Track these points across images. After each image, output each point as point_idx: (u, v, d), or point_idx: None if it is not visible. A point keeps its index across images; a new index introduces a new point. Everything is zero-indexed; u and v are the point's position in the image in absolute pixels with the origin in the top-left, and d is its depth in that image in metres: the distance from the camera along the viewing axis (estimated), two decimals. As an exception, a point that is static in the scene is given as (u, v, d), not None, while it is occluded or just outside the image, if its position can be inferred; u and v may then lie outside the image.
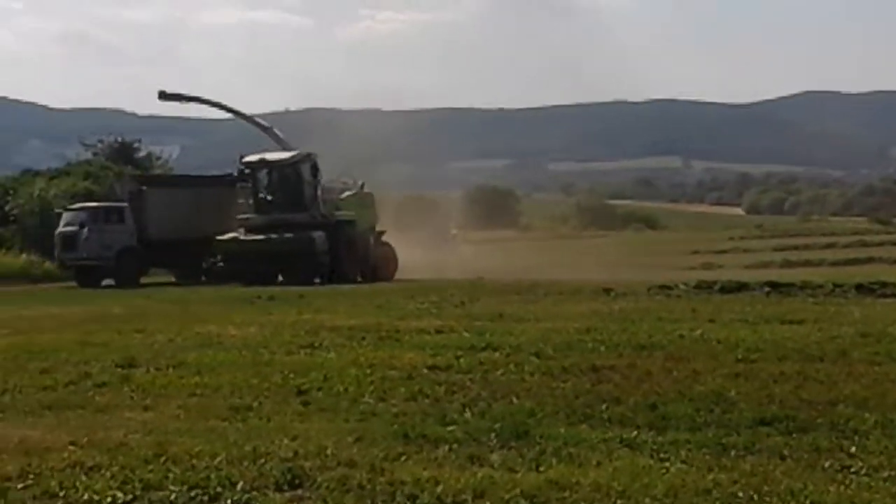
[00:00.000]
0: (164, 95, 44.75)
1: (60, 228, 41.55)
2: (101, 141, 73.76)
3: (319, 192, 39.21)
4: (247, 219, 39.13)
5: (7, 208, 52.27)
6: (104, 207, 42.03)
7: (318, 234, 37.57)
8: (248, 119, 45.91)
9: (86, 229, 40.39)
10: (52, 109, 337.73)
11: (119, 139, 74.05)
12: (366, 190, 41.61)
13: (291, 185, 39.38)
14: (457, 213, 74.33)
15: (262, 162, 39.79)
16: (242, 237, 38.41)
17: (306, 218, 38.75)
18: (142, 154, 74.42)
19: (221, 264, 38.28)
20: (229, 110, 46.46)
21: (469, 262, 45.17)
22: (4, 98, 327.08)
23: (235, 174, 40.59)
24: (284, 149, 41.58)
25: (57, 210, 44.85)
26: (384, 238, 41.19)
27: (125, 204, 41.71)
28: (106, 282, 40.19)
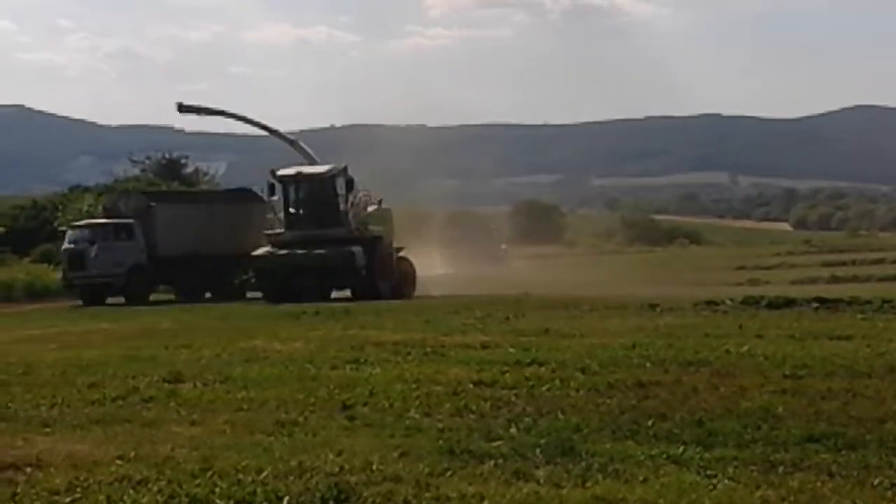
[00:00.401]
0: (182, 108, 44.36)
1: (66, 245, 41.07)
2: (148, 157, 74.42)
3: (352, 207, 38.60)
4: (278, 234, 38.17)
5: (56, 224, 52.71)
6: (113, 224, 41.31)
7: (357, 249, 36.83)
8: (273, 132, 45.49)
9: (95, 246, 39.91)
10: (101, 126, 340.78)
11: (167, 155, 74.66)
12: (384, 206, 40.65)
13: (327, 198, 38.44)
14: (505, 229, 74.63)
15: (298, 176, 38.83)
16: (279, 252, 37.38)
17: (342, 233, 37.89)
18: (189, 170, 75.00)
19: (255, 280, 38.08)
20: (253, 123, 45.86)
21: (520, 276, 45.22)
22: (54, 115, 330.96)
23: (264, 188, 39.78)
24: (312, 163, 41.23)
25: (61, 228, 45.09)
26: (403, 253, 40.12)
27: (132, 220, 41.03)
28: (111, 300, 39.95)
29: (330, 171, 38.72)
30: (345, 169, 38.28)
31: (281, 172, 38.78)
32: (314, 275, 36.11)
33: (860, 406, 10.71)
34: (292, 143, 44.23)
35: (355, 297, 35.05)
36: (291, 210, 38.54)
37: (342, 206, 38.15)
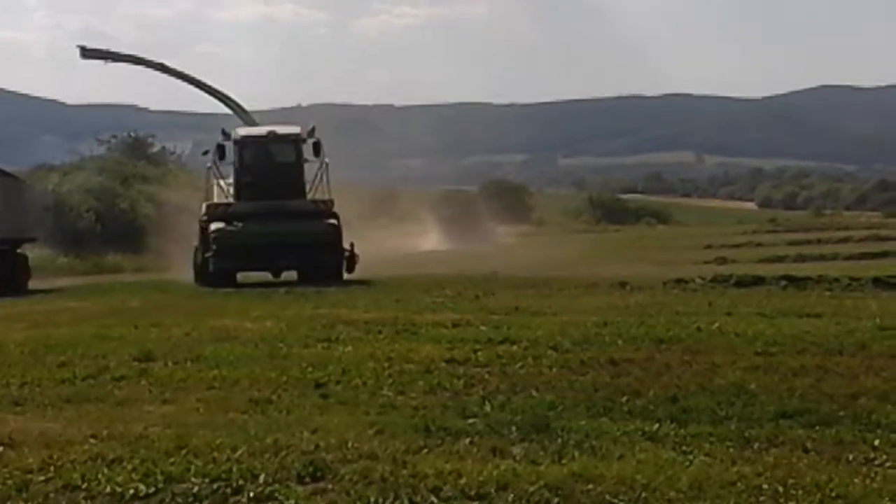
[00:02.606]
0: (85, 53, 40.74)
1: None
2: (114, 136, 74.01)
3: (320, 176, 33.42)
4: (225, 205, 32.61)
5: (21, 203, 52.32)
6: None
7: (334, 224, 32.09)
8: (201, 84, 40.83)
9: None
10: (65, 105, 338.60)
11: (133, 134, 74.28)
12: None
13: (294, 165, 33.46)
14: (495, 208, 75.79)
15: (270, 136, 33.99)
16: (249, 227, 31.56)
17: (306, 206, 32.91)
18: (155, 149, 74.65)
19: (214, 260, 31.09)
20: (168, 71, 40.82)
21: (508, 253, 45.33)
22: (17, 93, 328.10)
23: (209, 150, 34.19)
24: (251, 124, 36.72)
25: None
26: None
27: None
28: None
29: (303, 132, 33.74)
30: (313, 130, 33.44)
31: (244, 132, 34.78)
32: (293, 252, 31.44)
33: (832, 382, 10.76)
34: (227, 99, 39.98)
35: (308, 279, 30.42)
36: (248, 178, 32.96)
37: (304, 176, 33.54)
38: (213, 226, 31.56)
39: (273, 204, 32.09)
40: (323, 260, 31.38)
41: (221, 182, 33.42)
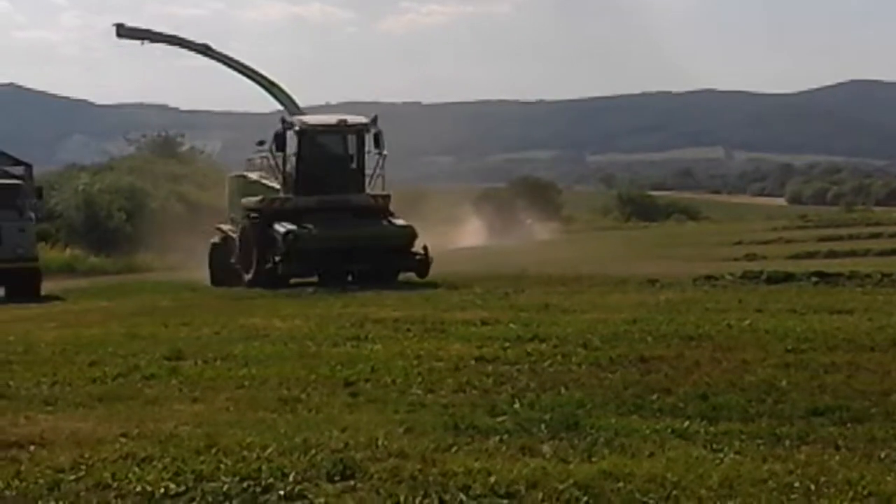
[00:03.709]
0: (121, 31, 36.43)
1: None
2: (144, 136, 74.25)
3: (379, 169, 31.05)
4: (282, 200, 30.30)
5: (52, 203, 52.66)
6: None
7: (412, 227, 30.10)
8: (246, 70, 36.40)
9: None
10: (95, 105, 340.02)
11: (162, 134, 74.51)
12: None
13: (359, 157, 31.03)
14: (529, 204, 76.51)
15: (340, 125, 31.11)
16: (316, 230, 28.84)
17: (368, 201, 30.78)
18: (185, 148, 74.88)
19: (285, 264, 28.29)
20: (212, 54, 36.69)
21: (539, 251, 45.30)
22: (48, 93, 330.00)
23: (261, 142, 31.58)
24: (294, 111, 33.76)
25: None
26: None
27: None
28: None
29: (370, 121, 31.20)
30: (375, 120, 31.06)
31: (311, 120, 31.78)
32: (368, 256, 29.06)
33: (864, 379, 10.70)
34: (269, 86, 35.63)
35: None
36: (310, 169, 30.52)
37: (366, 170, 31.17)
38: (281, 227, 28.69)
39: (334, 199, 30.32)
40: (398, 263, 29.45)
41: (254, 174, 32.05)
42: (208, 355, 13.71)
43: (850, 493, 6.80)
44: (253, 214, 30.56)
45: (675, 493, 6.87)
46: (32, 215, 30.86)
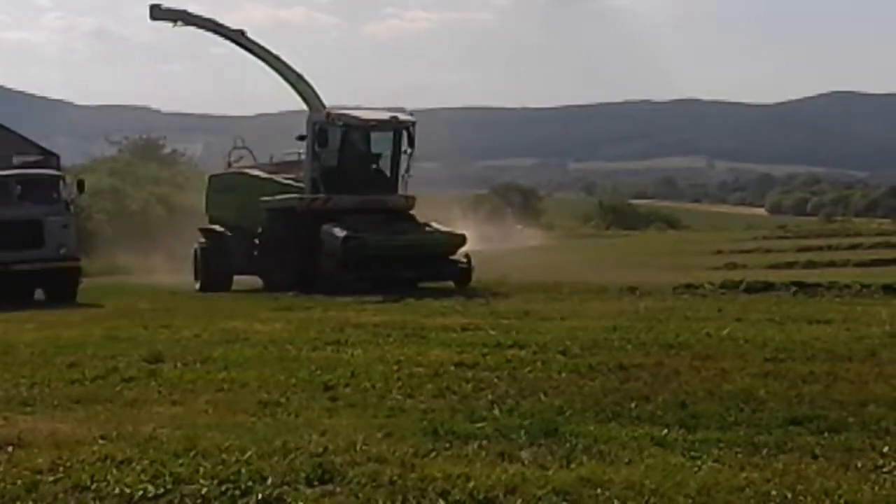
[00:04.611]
0: (154, 12, 33.57)
1: None
2: (126, 138, 74.10)
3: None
4: (323, 200, 28.80)
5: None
6: None
7: (463, 234, 29.24)
8: (276, 62, 32.51)
9: None
10: (77, 106, 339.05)
11: (144, 136, 74.37)
12: None
13: (396, 155, 29.87)
14: (518, 211, 77.26)
15: (393, 121, 29.69)
16: (375, 237, 27.46)
17: (401, 203, 29.86)
18: (166, 151, 74.75)
19: (339, 270, 26.83)
20: (245, 43, 33.19)
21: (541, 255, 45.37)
22: (30, 94, 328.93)
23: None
24: (317, 106, 30.99)
25: None
26: None
27: None
28: None
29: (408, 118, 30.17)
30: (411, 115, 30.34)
31: (357, 114, 30.07)
32: (417, 263, 27.76)
33: (842, 389, 10.74)
34: (299, 78, 31.99)
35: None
36: (351, 168, 29.39)
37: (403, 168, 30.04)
38: (337, 230, 27.21)
39: (372, 199, 29.25)
40: (443, 271, 28.12)
41: (255, 171, 31.13)
42: (188, 358, 13.71)
43: (827, 502, 6.84)
44: (276, 214, 29.40)
45: (652, 500, 6.90)
46: (73, 210, 28.54)
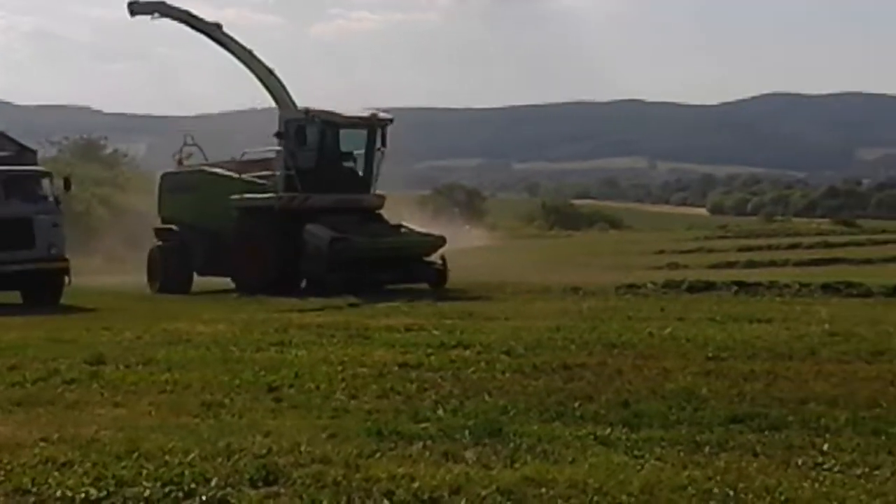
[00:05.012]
0: (133, 8, 32.50)
1: None
2: (66, 138, 73.32)
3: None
4: (302, 199, 28.26)
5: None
6: None
7: (443, 236, 29.23)
8: (249, 58, 30.94)
9: None
10: (17, 106, 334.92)
11: (85, 137, 73.65)
12: None
13: (372, 154, 29.49)
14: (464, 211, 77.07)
15: (372, 120, 29.19)
16: (361, 239, 27.23)
17: (374, 203, 29.78)
18: (108, 151, 74.09)
19: (328, 272, 26.28)
20: (220, 37, 31.67)
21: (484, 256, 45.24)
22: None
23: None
24: (286, 103, 29.86)
25: None
26: None
27: None
28: None
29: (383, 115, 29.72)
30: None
31: (338, 111, 29.29)
32: (397, 265, 27.68)
33: (782, 387, 10.86)
34: (270, 73, 30.51)
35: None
36: (328, 166, 28.94)
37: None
38: (321, 231, 26.93)
39: (348, 198, 29.03)
40: (420, 273, 27.93)
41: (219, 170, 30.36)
42: (130, 360, 13.61)
43: (768, 500, 6.91)
44: (249, 213, 28.85)
45: (596, 498, 6.94)
46: (61, 208, 27.05)
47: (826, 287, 23.28)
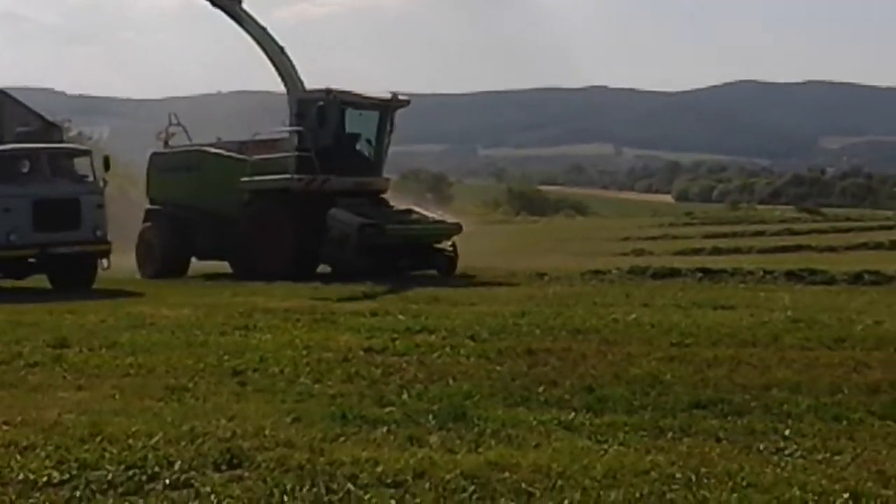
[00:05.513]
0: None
1: None
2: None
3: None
4: (321, 181, 27.58)
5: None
6: None
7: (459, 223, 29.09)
8: (263, 34, 29.42)
9: None
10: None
11: (48, 119, 73.14)
12: None
13: (386, 136, 29.49)
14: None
15: (382, 101, 29.07)
16: (387, 224, 26.79)
17: (383, 185, 29.82)
18: (71, 134, 73.59)
19: (354, 256, 25.98)
20: (233, 14, 29.62)
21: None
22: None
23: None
24: (295, 84, 28.82)
25: None
26: None
27: None
28: None
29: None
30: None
31: (357, 91, 28.89)
32: (415, 251, 27.66)
33: (745, 373, 10.91)
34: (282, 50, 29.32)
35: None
36: (342, 148, 28.46)
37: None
38: (348, 216, 26.46)
39: (364, 181, 28.70)
40: (435, 260, 27.62)
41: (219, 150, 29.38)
42: (94, 343, 13.55)
43: (730, 484, 6.93)
44: (264, 195, 27.96)
45: (559, 483, 6.96)
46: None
47: (790, 274, 23.44)
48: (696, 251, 36.82)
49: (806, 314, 15.73)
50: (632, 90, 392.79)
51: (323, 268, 27.00)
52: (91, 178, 25.13)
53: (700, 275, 23.93)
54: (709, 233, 48.84)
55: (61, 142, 27.09)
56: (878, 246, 36.86)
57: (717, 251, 36.76)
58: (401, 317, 15.92)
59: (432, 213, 29.78)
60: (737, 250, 36.93)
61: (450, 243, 27.89)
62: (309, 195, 27.27)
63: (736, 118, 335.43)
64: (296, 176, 27.60)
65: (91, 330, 15.04)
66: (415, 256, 27.42)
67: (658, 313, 16.18)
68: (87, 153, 26.02)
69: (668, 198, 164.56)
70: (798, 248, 37.48)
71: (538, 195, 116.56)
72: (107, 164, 25.74)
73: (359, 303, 18.38)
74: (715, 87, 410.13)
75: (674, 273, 24.41)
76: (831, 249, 35.77)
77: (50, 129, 27.36)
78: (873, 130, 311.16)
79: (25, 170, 24.34)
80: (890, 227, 48.36)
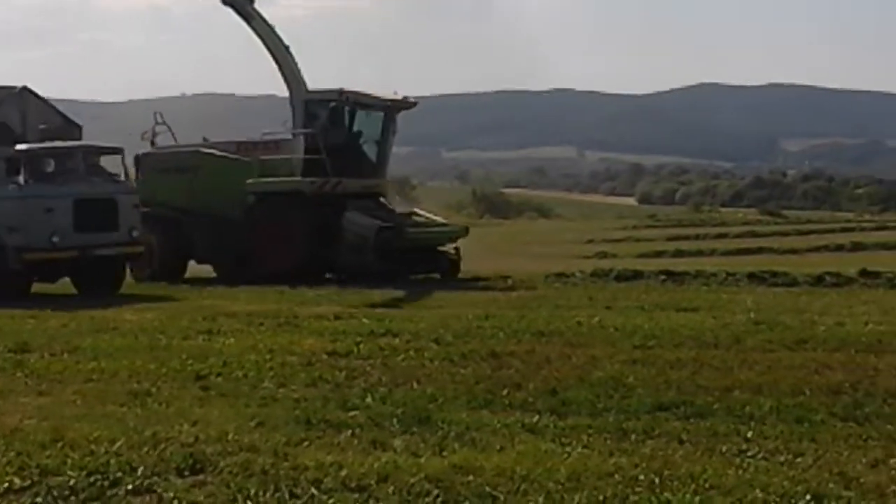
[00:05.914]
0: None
1: None
2: None
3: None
4: (333, 184, 27.03)
5: None
6: None
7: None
8: (269, 31, 28.77)
9: None
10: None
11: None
12: None
13: (390, 138, 29.07)
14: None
15: (390, 102, 28.73)
16: (405, 229, 26.87)
17: (387, 188, 30.00)
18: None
19: (373, 259, 25.56)
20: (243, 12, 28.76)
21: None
22: None
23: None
24: (298, 82, 28.13)
25: None
26: None
27: None
28: None
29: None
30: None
31: (366, 92, 28.35)
32: (425, 254, 27.37)
33: (707, 375, 10.96)
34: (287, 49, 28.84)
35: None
36: (352, 149, 28.11)
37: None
38: (363, 219, 26.11)
39: (371, 183, 28.33)
40: (436, 263, 27.41)
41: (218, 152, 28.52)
42: (55, 348, 13.47)
43: (693, 486, 6.97)
44: (272, 198, 27.14)
45: (523, 486, 6.97)
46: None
47: (752, 276, 23.55)
48: (659, 254, 36.98)
49: (768, 316, 15.83)
50: (595, 93, 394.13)
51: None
52: (123, 177, 24.54)
53: (663, 277, 24.00)
54: (672, 235, 49.07)
55: (80, 140, 26.19)
56: (839, 248, 37.18)
57: (679, 253, 36.94)
58: (365, 320, 15.90)
59: (436, 217, 29.79)
60: (699, 252, 37.13)
61: (453, 246, 27.74)
62: (321, 198, 26.81)
63: (698, 121, 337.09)
64: (308, 178, 27.01)
65: (53, 335, 14.94)
66: (421, 260, 27.04)
67: (621, 316, 16.23)
68: (119, 151, 25.05)
69: (631, 200, 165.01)
70: (760, 250, 37.74)
71: (502, 198, 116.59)
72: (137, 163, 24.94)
73: (323, 306, 18.33)
74: (677, 90, 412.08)
75: (637, 275, 24.47)
76: (793, 251, 36.04)
77: (70, 127, 26.43)
78: (834, 133, 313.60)
79: (61, 168, 23.47)
80: (850, 230, 48.74)
